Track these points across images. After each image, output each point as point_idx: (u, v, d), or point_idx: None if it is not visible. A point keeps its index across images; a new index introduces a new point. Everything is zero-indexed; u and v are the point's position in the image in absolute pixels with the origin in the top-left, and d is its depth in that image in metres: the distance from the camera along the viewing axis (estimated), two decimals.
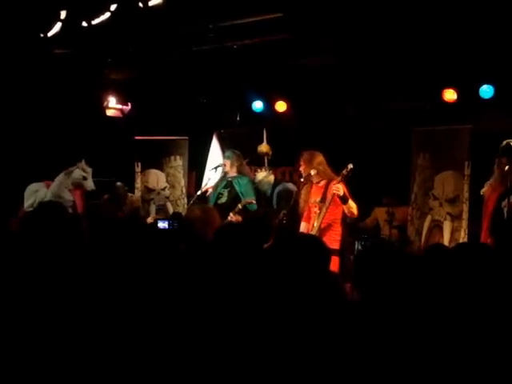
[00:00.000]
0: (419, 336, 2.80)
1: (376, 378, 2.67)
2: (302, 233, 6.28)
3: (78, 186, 8.48)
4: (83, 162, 8.47)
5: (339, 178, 6.44)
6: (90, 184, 8.51)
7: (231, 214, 7.37)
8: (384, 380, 2.67)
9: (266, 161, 9.05)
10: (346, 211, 6.50)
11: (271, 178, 8.60)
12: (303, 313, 2.93)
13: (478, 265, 3.06)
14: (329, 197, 6.50)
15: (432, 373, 2.67)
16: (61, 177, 8.49)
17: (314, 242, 3.62)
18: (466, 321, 2.84)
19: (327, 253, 3.62)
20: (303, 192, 6.81)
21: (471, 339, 2.75)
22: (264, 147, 9.21)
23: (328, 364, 2.72)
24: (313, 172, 6.69)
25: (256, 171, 8.79)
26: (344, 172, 6.43)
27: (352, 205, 6.48)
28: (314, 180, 6.73)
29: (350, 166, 6.41)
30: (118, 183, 8.80)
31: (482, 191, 6.40)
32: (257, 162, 9.96)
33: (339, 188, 6.35)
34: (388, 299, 3.07)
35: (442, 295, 3.08)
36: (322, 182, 6.69)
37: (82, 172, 8.43)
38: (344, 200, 6.40)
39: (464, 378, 2.66)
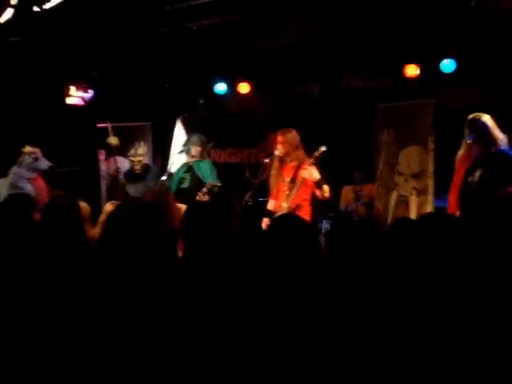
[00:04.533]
0: (388, 310, 2.80)
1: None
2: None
3: (34, 169, 8.39)
4: (26, 146, 8.38)
5: (311, 161, 6.37)
6: (43, 162, 8.45)
7: (199, 194, 7.30)
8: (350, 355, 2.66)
9: (115, 152, 8.99)
10: (319, 195, 6.44)
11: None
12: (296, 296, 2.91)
13: (443, 234, 3.06)
14: (299, 179, 6.44)
15: (399, 348, 2.66)
16: (14, 169, 8.41)
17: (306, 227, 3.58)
18: (436, 293, 2.83)
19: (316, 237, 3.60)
20: (273, 170, 6.74)
21: (441, 313, 2.75)
22: (113, 139, 9.11)
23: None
24: (277, 152, 6.63)
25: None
26: (316, 154, 6.35)
27: (326, 188, 6.44)
28: (287, 160, 6.64)
29: (323, 148, 6.33)
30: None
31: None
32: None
33: (310, 171, 6.28)
34: (356, 274, 3.07)
35: (409, 267, 3.07)
36: (294, 163, 6.60)
37: (31, 155, 8.35)
38: (320, 184, 6.34)
39: (431, 357, 2.65)
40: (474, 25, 7.47)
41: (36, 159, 8.38)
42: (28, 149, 8.37)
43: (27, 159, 8.36)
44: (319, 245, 3.37)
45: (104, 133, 9.73)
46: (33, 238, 3.87)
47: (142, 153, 8.40)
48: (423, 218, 3.67)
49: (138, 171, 8.30)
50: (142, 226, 3.30)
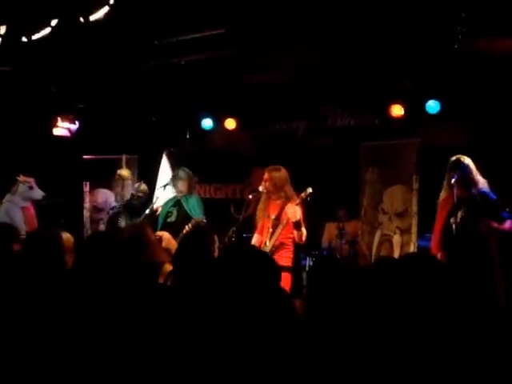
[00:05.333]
0: (368, 349, 2.78)
1: None
2: (251, 247, 6.17)
3: (28, 199, 8.45)
4: (21, 176, 8.44)
5: (297, 201, 6.34)
6: (37, 192, 8.49)
7: (186, 227, 7.24)
8: None
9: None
10: (297, 238, 6.41)
11: None
12: (252, 328, 2.90)
13: (424, 274, 3.05)
14: (284, 218, 6.41)
15: None
16: (8, 197, 8.45)
17: (263, 258, 3.58)
18: (417, 333, 2.82)
19: (276, 269, 3.59)
20: (261, 203, 6.71)
21: (421, 352, 2.74)
22: (125, 171, 9.37)
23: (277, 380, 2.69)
24: (261, 188, 6.63)
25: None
26: (303, 195, 6.33)
27: (303, 231, 6.40)
28: (273, 197, 6.61)
29: (310, 189, 6.30)
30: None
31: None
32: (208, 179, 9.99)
33: (295, 213, 6.27)
34: (338, 313, 3.06)
35: (391, 306, 3.06)
36: (280, 200, 6.56)
37: (25, 184, 8.41)
38: (298, 226, 6.33)
39: None
40: (457, 67, 7.58)
41: (30, 188, 8.47)
42: (23, 178, 8.45)
43: (22, 187, 8.44)
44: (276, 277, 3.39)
45: (89, 165, 9.76)
46: (11, 269, 3.86)
47: (143, 189, 8.53)
48: (406, 257, 3.67)
49: (134, 204, 8.40)
50: (114, 257, 3.30)
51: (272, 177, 6.57)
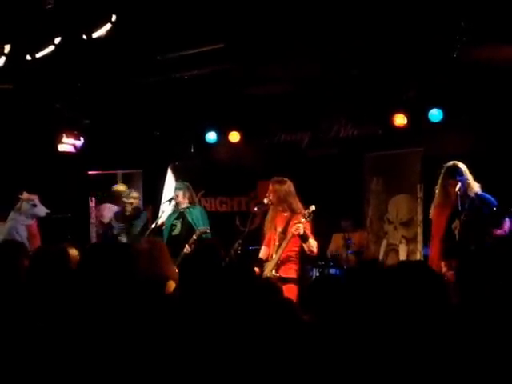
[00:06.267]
0: (370, 355, 2.81)
1: None
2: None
3: (32, 216, 8.51)
4: (24, 193, 8.48)
5: (301, 219, 6.31)
6: (41, 209, 8.57)
7: (187, 246, 7.25)
8: None
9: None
10: (306, 249, 6.41)
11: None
12: (259, 342, 2.93)
13: (414, 282, 3.04)
14: (289, 233, 6.42)
15: None
16: (12, 215, 8.49)
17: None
18: (417, 345, 2.83)
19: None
20: (269, 215, 6.71)
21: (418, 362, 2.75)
22: (121, 186, 9.26)
23: None
24: (266, 201, 6.64)
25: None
26: (306, 213, 6.33)
27: (312, 243, 6.36)
28: (280, 209, 6.61)
29: (312, 207, 6.30)
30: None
31: (430, 215, 6.42)
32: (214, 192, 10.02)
33: (299, 228, 6.27)
34: (340, 321, 3.09)
35: (392, 315, 3.08)
36: (286, 213, 6.55)
37: (29, 202, 8.45)
38: (304, 239, 6.33)
39: None
40: (459, 75, 7.59)
41: (34, 206, 8.49)
42: (26, 195, 8.48)
43: (25, 205, 8.50)
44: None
45: (94, 180, 9.80)
46: (21, 284, 3.91)
47: (135, 196, 8.47)
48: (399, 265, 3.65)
49: (128, 213, 8.33)
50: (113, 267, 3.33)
51: (275, 189, 6.58)
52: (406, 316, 2.86)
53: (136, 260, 3.92)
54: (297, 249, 6.45)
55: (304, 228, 6.23)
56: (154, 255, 4.76)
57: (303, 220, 6.26)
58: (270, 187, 6.64)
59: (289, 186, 6.60)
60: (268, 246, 6.66)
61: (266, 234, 6.71)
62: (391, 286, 2.97)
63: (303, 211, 6.35)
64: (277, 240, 6.51)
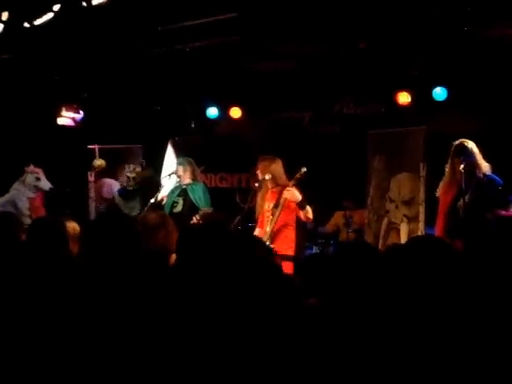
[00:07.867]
0: (378, 337, 2.74)
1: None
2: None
3: (36, 190, 8.50)
4: (31, 165, 8.48)
5: (292, 182, 6.36)
6: (45, 183, 8.56)
7: (194, 219, 7.17)
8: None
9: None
10: (303, 217, 6.42)
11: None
12: (258, 316, 2.87)
13: (432, 257, 3.00)
14: (281, 200, 6.40)
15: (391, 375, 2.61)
16: (16, 185, 8.50)
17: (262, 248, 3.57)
18: (428, 319, 2.77)
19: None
20: (259, 197, 6.73)
21: (432, 341, 2.69)
22: (99, 161, 9.44)
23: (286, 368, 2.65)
24: (267, 177, 6.59)
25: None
26: (297, 175, 6.34)
27: (308, 209, 6.41)
28: (270, 186, 6.63)
29: (304, 169, 6.34)
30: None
31: (437, 193, 6.39)
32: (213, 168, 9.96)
33: (293, 192, 6.26)
34: (344, 301, 3.03)
35: (400, 292, 3.02)
36: (277, 188, 6.57)
37: (33, 175, 8.43)
38: (301, 205, 6.31)
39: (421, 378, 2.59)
40: (465, 53, 7.51)
41: (38, 179, 8.48)
42: (31, 168, 8.47)
43: (30, 178, 8.49)
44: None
45: (94, 154, 9.74)
46: (17, 256, 3.85)
47: (138, 172, 8.51)
48: (412, 241, 3.60)
49: (130, 187, 8.32)
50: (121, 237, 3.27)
51: (264, 167, 6.62)
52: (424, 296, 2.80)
53: (146, 233, 3.88)
54: (291, 221, 6.46)
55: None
56: (169, 230, 4.69)
57: (294, 183, 6.30)
58: (260, 165, 6.62)
59: (277, 163, 6.63)
60: (261, 227, 6.66)
61: (259, 215, 6.71)
62: (404, 264, 2.91)
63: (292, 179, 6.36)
64: (270, 214, 6.51)
